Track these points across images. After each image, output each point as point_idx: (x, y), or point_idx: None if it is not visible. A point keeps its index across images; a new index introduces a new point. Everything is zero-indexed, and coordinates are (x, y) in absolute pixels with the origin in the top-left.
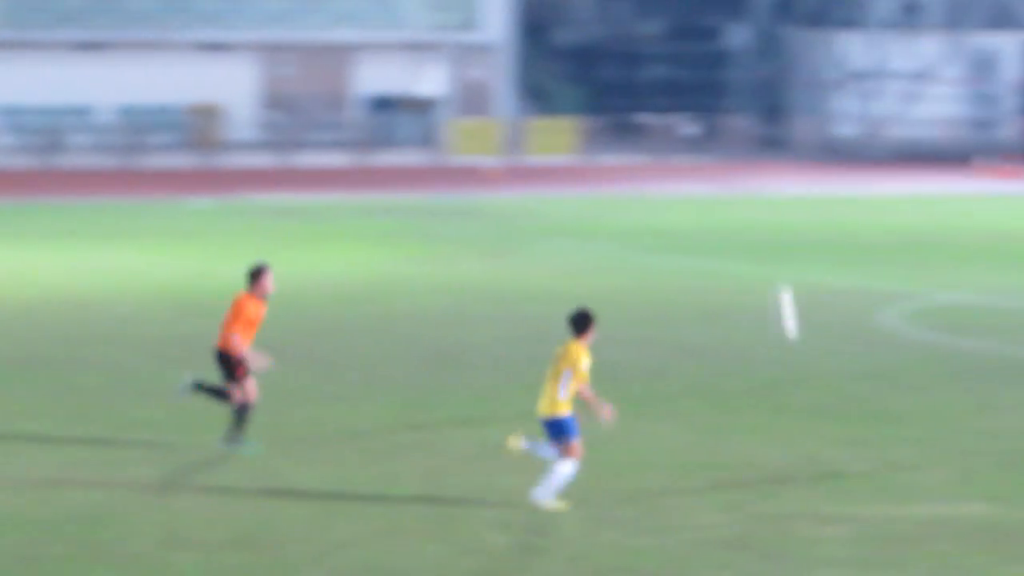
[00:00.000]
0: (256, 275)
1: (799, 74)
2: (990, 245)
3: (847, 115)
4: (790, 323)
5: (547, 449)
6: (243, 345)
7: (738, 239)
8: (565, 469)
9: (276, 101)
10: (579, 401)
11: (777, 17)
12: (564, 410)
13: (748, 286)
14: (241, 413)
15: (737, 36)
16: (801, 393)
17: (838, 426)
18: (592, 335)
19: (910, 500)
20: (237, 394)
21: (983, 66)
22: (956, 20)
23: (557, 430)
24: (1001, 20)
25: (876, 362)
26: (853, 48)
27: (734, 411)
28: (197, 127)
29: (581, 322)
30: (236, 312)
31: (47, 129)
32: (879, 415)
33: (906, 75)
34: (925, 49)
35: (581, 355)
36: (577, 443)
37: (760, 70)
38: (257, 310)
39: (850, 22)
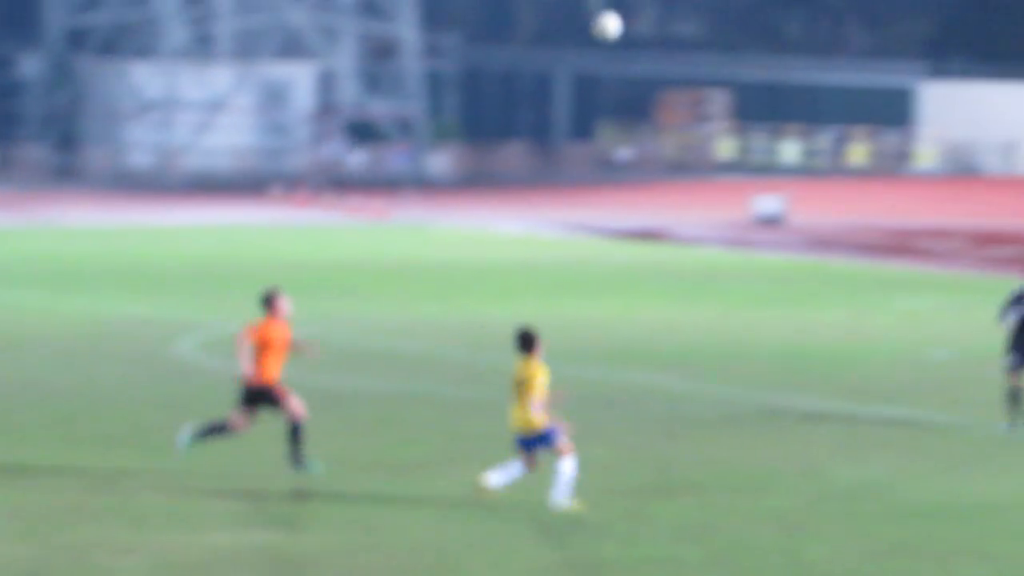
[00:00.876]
0: (270, 301)
1: (93, 104)
2: (286, 274)
3: (141, 145)
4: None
5: (516, 467)
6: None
7: (31, 269)
8: (569, 467)
9: None
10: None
11: (70, 46)
12: (541, 423)
13: (42, 316)
14: (295, 433)
15: (30, 65)
16: (97, 424)
17: (133, 454)
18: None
19: (203, 528)
20: (238, 420)
21: (274, 96)
22: (247, 50)
23: (542, 441)
24: (291, 50)
25: (170, 391)
26: (146, 78)
27: (30, 444)
28: None
29: (529, 340)
30: (264, 341)
31: None
32: (165, 445)
33: (199, 105)
34: (217, 79)
35: (538, 372)
36: (564, 442)
37: (53, 99)
38: (283, 333)
39: (144, 51)
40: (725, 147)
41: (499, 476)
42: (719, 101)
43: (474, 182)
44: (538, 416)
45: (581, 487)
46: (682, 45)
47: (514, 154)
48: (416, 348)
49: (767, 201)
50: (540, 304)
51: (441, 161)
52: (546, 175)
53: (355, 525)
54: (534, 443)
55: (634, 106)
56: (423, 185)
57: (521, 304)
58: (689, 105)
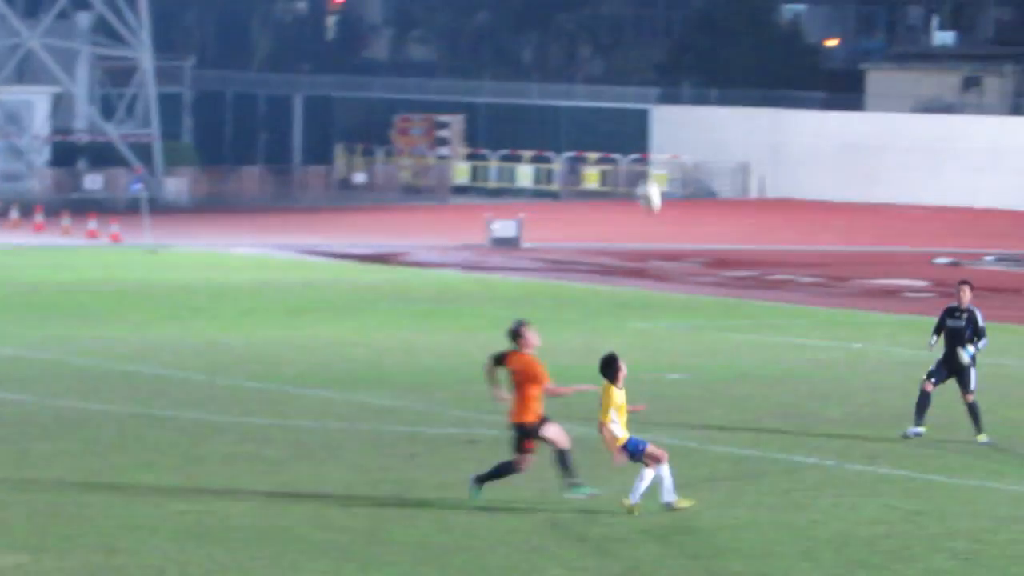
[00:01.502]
0: (516, 333)
1: None
2: (21, 297)
3: None
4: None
5: (643, 475)
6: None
7: None
8: (653, 474)
9: None
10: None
11: None
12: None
13: None
14: (563, 459)
15: None
16: None
17: None
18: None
19: None
20: (523, 461)
21: (10, 119)
22: None
23: (632, 450)
24: (27, 74)
25: None
26: None
27: None
28: None
29: (610, 364)
30: (533, 376)
31: None
32: None
33: None
34: None
35: (615, 395)
36: (652, 447)
37: None
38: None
39: None
40: (461, 171)
41: (635, 492)
42: (454, 125)
43: (210, 206)
44: (613, 431)
45: (319, 510)
46: (417, 70)
47: (251, 178)
48: (153, 370)
49: (503, 224)
50: (276, 327)
51: (177, 185)
52: (283, 199)
53: (97, 548)
54: (633, 453)
55: (370, 130)
56: (159, 209)
57: (257, 326)
58: (424, 129)
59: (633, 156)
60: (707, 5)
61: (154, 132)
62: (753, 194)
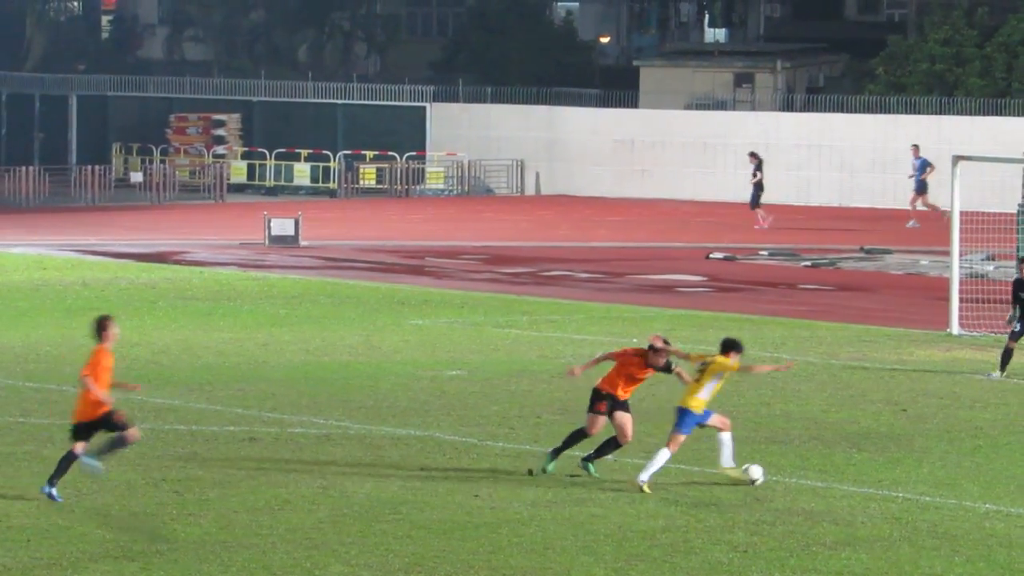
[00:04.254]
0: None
1: None
2: None
3: None
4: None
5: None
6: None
7: None
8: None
9: None
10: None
11: None
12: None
13: None
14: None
15: None
16: None
17: None
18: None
19: None
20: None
21: None
22: None
23: (698, 419)
24: None
25: None
26: None
27: None
28: None
29: (729, 345)
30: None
31: None
32: None
33: None
34: None
35: (725, 366)
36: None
37: None
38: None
39: None
40: (238, 170)
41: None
42: (230, 124)
43: None
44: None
45: (100, 510)
46: (193, 68)
47: (27, 178)
48: None
49: (280, 223)
50: (54, 327)
51: None
52: (60, 199)
53: None
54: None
55: (147, 130)
56: None
57: (35, 326)
58: (201, 128)
59: (410, 154)
60: (481, 3)
61: None
62: (530, 191)
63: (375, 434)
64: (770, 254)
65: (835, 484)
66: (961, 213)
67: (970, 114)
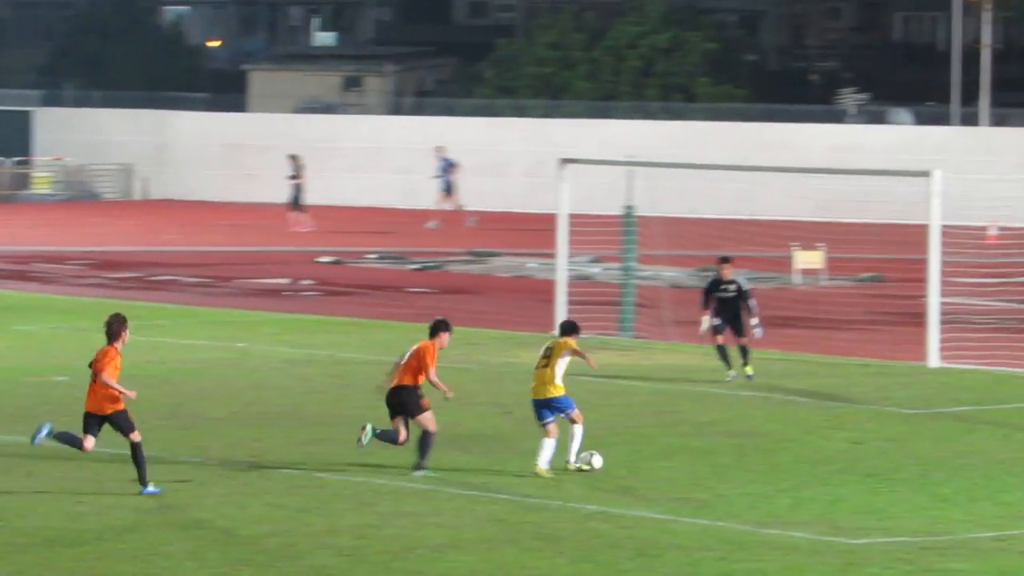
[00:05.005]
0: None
1: None
2: None
3: None
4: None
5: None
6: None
7: None
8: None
9: None
10: None
11: None
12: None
13: None
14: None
15: None
16: None
17: None
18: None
19: None
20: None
21: None
22: None
23: (561, 406)
24: None
25: None
26: None
27: None
28: None
29: (570, 327)
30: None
31: None
32: None
33: None
34: None
35: (569, 346)
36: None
37: None
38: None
39: None
40: None
41: (543, 457)
42: None
43: None
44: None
45: None
46: None
47: None
48: None
49: None
50: None
51: None
52: None
53: None
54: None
55: None
56: None
57: None
58: None
59: (16, 158)
60: (90, 7)
61: None
62: (137, 195)
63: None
64: (378, 257)
65: (441, 487)
66: (568, 215)
67: (578, 117)
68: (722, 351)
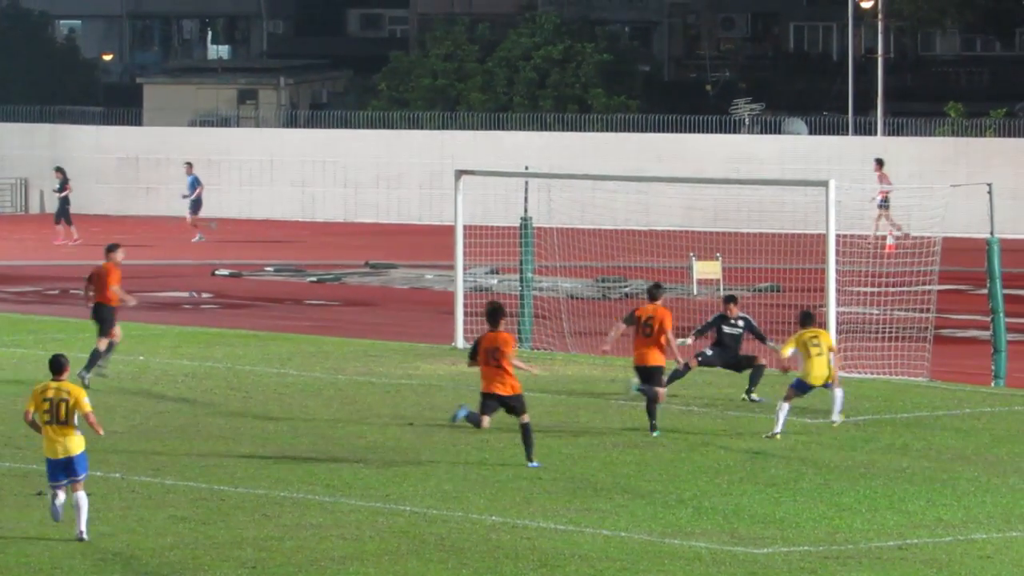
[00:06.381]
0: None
1: None
2: None
3: None
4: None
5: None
6: None
7: None
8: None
9: None
10: None
11: None
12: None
13: None
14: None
15: None
16: None
17: None
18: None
19: None
20: None
21: None
22: None
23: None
24: None
25: None
26: None
27: None
28: None
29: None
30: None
31: None
32: None
33: None
34: None
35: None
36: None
37: None
38: None
39: None
40: None
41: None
42: None
43: None
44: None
45: None
46: None
47: None
48: None
49: None
50: None
51: None
52: None
53: None
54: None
55: None
56: None
57: None
58: None
59: None
60: None
61: None
62: (35, 209)
63: None
64: (276, 270)
65: (343, 499)
66: (465, 227)
67: (473, 128)
68: (677, 375)
